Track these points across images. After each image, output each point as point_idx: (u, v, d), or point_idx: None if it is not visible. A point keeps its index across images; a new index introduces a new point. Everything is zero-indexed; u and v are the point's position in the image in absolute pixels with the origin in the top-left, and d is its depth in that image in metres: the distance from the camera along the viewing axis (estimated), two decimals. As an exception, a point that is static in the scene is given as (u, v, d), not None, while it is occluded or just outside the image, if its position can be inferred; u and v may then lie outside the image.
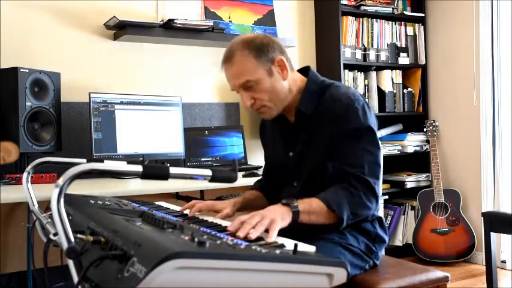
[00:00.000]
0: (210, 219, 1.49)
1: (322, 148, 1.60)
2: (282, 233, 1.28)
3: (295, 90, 1.64)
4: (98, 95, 2.76)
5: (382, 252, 1.79)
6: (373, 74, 3.81)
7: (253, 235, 1.18)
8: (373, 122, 1.61)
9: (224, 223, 1.39)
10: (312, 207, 1.46)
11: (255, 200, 1.81)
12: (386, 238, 1.73)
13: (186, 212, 1.59)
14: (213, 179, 1.11)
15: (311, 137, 1.63)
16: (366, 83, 3.80)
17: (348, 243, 1.60)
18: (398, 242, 3.83)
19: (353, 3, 3.72)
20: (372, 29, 3.80)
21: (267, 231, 1.25)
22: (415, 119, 4.00)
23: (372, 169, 1.56)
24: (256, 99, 1.59)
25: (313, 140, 1.62)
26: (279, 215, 1.33)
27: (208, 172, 1.10)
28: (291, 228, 1.57)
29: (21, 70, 2.47)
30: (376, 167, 1.58)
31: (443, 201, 3.68)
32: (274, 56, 1.58)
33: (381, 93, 3.83)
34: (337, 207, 1.47)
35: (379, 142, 1.62)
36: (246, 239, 1.15)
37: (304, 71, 1.72)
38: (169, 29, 3.04)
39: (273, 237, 1.22)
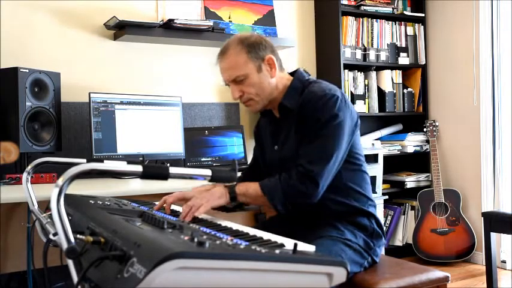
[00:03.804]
0: (209, 218, 1.49)
1: (298, 140, 1.66)
2: (281, 232, 1.28)
3: (281, 87, 1.73)
4: (98, 95, 2.75)
5: (382, 252, 1.79)
6: (373, 74, 3.81)
7: (187, 219, 1.44)
8: (347, 115, 1.63)
9: (224, 223, 1.39)
10: (248, 192, 1.63)
11: None
12: (383, 235, 1.76)
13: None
14: (213, 179, 1.11)
15: (291, 130, 1.70)
16: (366, 83, 3.80)
17: (347, 239, 1.64)
18: (398, 242, 3.83)
19: (353, 3, 3.72)
20: (372, 29, 3.80)
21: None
22: (415, 119, 4.00)
23: (316, 158, 1.58)
24: (244, 92, 1.69)
25: (292, 133, 1.69)
26: (214, 197, 1.58)
27: (208, 172, 1.10)
28: (289, 227, 1.59)
29: (21, 70, 2.47)
30: (319, 158, 1.58)
31: (443, 201, 3.68)
32: (264, 54, 1.69)
33: (380, 93, 3.83)
34: (268, 194, 1.60)
35: (339, 134, 1.61)
36: (246, 237, 1.15)
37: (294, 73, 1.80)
38: (169, 29, 3.04)
39: (199, 214, 1.51)
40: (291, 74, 1.80)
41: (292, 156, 1.67)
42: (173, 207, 1.68)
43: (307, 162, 1.58)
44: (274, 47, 1.74)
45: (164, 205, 1.63)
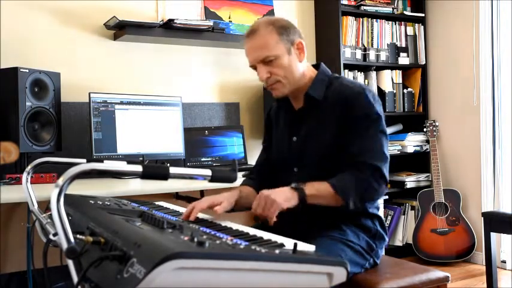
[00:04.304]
0: (209, 218, 1.49)
1: (329, 133, 1.64)
2: (282, 231, 1.28)
3: (307, 76, 1.72)
4: (98, 95, 2.75)
5: (383, 252, 1.79)
6: (373, 74, 3.81)
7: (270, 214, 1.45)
8: (381, 111, 1.67)
9: (224, 223, 1.39)
10: (320, 192, 1.55)
11: (248, 196, 1.76)
12: (386, 237, 1.74)
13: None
14: (213, 179, 1.11)
15: (317, 121, 1.68)
16: (366, 83, 3.80)
17: (348, 240, 1.62)
18: (398, 242, 3.83)
19: (353, 3, 3.71)
20: (372, 29, 3.80)
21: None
22: (415, 119, 4.00)
23: (379, 155, 1.60)
24: (272, 74, 1.66)
25: (320, 125, 1.67)
26: (282, 198, 1.47)
27: (208, 172, 1.10)
28: (292, 226, 1.58)
29: (21, 70, 2.47)
30: (381, 154, 1.62)
31: (443, 201, 3.68)
32: (294, 38, 1.67)
33: (381, 93, 3.83)
34: (341, 192, 1.54)
35: (386, 130, 1.67)
36: (246, 237, 1.15)
37: (316, 67, 1.80)
38: (169, 29, 3.04)
39: (272, 219, 1.45)
40: (314, 67, 1.79)
41: (316, 148, 1.66)
42: (174, 207, 1.68)
43: (371, 159, 1.58)
44: (302, 34, 1.72)
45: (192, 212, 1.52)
